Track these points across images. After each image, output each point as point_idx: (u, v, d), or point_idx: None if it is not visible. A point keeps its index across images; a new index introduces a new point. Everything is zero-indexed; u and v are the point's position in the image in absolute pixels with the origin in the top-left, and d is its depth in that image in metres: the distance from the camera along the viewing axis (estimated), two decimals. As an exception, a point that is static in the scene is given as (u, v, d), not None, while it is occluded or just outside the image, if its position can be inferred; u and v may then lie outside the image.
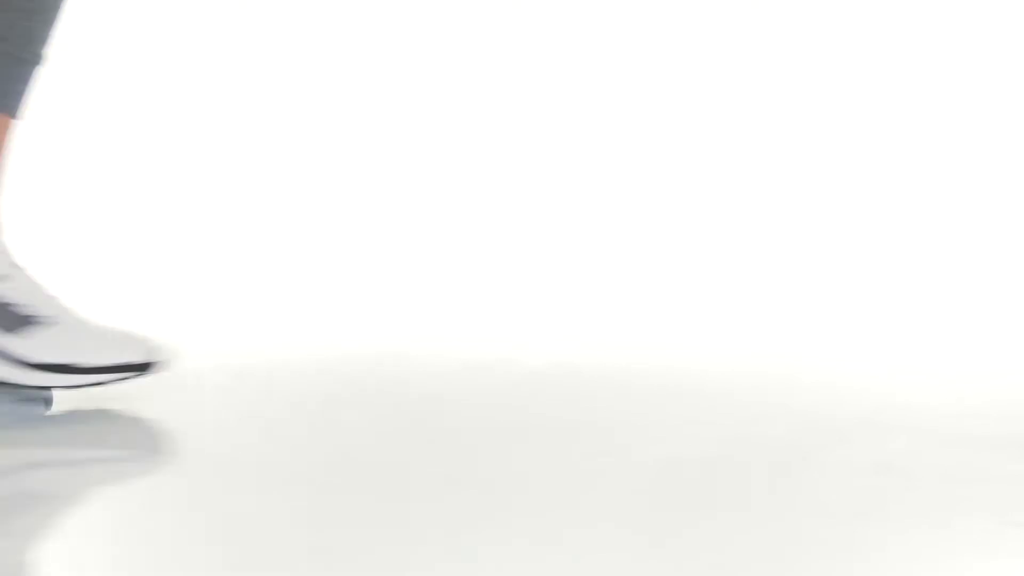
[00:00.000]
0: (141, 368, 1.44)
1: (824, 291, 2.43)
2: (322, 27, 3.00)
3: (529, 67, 2.71)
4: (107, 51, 2.93)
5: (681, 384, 1.69)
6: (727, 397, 1.66)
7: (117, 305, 2.26)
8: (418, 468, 1.35)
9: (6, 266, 1.44)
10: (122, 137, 2.89)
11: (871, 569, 1.05)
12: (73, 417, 1.45)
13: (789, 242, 2.76)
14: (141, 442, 1.41)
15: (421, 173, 2.49)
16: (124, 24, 2.94)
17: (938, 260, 2.65)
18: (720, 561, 1.06)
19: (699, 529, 1.14)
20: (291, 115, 2.96)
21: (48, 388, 1.41)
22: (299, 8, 2.99)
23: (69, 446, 1.39)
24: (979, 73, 2.97)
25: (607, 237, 1.88)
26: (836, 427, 1.48)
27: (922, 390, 1.69)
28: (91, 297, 2.32)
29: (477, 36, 1.79)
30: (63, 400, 1.44)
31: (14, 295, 1.42)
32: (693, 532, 1.13)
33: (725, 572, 1.04)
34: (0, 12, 1.39)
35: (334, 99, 2.95)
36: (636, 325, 1.90)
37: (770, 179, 2.93)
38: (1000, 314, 2.25)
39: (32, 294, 1.43)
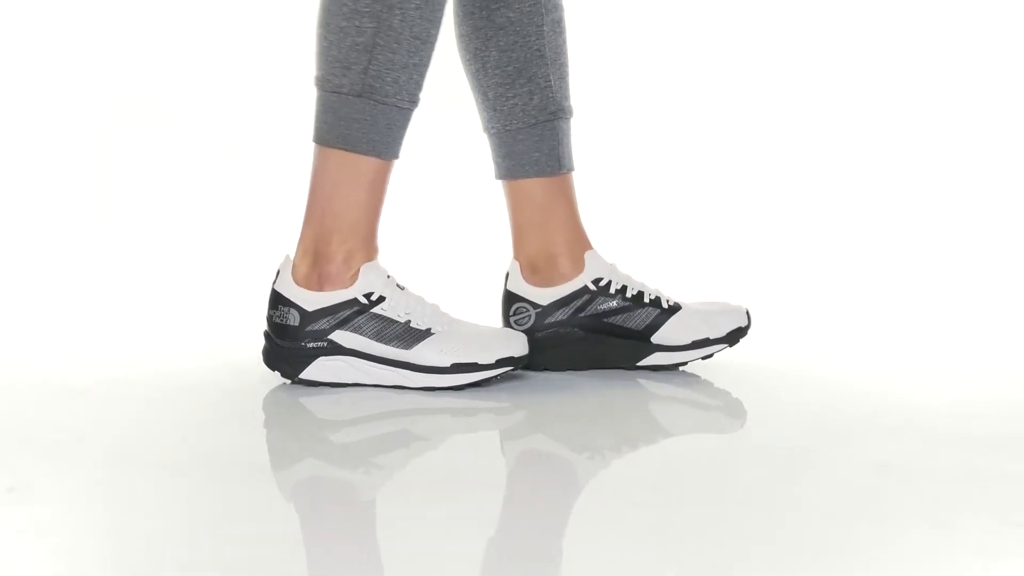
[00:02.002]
0: (521, 361, 1.64)
1: (825, 291, 2.44)
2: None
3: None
4: (107, 51, 2.93)
5: (681, 384, 1.69)
6: (727, 397, 1.67)
7: (117, 305, 2.26)
8: (418, 468, 1.35)
9: (391, 288, 1.63)
10: (122, 137, 2.89)
11: (871, 569, 1.05)
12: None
13: (789, 242, 2.77)
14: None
15: (421, 173, 2.50)
16: (124, 24, 2.94)
17: (938, 260, 2.65)
18: (720, 561, 1.06)
19: (699, 529, 1.14)
20: (291, 115, 2.96)
21: (463, 387, 1.62)
22: (299, 8, 2.99)
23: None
24: (979, 73, 2.97)
25: (607, 237, 1.88)
26: (836, 427, 1.48)
27: (922, 390, 1.69)
28: (91, 297, 2.32)
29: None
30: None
31: (410, 313, 1.62)
32: (693, 532, 1.13)
33: (725, 572, 1.04)
34: (394, 73, 1.58)
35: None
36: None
37: (771, 179, 2.93)
38: (1000, 314, 2.25)
39: (419, 309, 1.63)
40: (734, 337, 1.72)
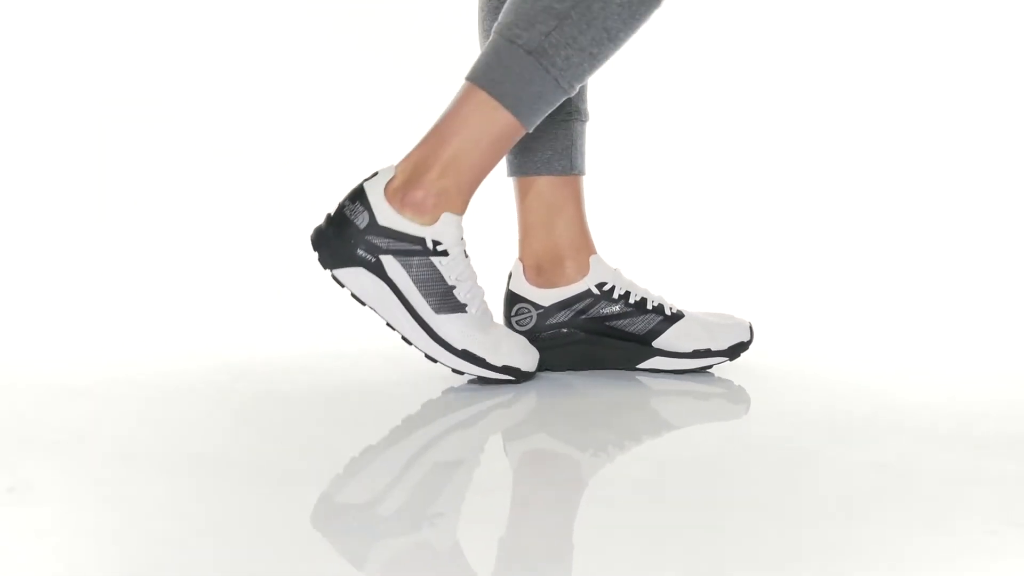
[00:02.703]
0: (525, 376, 1.66)
1: (825, 291, 2.44)
2: (321, 27, 3.00)
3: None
4: (107, 51, 2.93)
5: (681, 382, 1.69)
6: (727, 396, 1.67)
7: (117, 305, 2.26)
8: (418, 468, 1.35)
9: (458, 248, 1.62)
10: (123, 137, 2.89)
11: (871, 569, 1.05)
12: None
13: (790, 242, 2.77)
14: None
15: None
16: (124, 24, 2.94)
17: (938, 260, 2.65)
18: (720, 561, 1.06)
19: (699, 529, 1.14)
20: (291, 115, 2.96)
21: (461, 372, 1.63)
22: (299, 8, 2.99)
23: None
24: (979, 74, 2.97)
25: (607, 237, 1.88)
26: (836, 427, 1.48)
27: (922, 390, 1.69)
28: (91, 297, 2.32)
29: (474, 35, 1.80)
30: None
31: (460, 281, 1.62)
32: (693, 532, 1.13)
33: (725, 572, 1.04)
34: (570, 50, 1.58)
35: (334, 99, 2.95)
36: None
37: (771, 180, 2.93)
38: (1000, 314, 2.25)
39: (469, 283, 1.63)
40: (735, 351, 1.72)
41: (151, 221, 2.79)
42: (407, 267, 1.60)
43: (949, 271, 2.58)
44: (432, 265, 1.60)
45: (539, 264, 1.74)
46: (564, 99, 1.62)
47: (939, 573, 1.06)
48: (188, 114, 2.93)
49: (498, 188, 1.88)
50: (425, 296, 1.61)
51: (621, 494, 1.24)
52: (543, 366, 1.72)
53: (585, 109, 1.76)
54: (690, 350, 1.71)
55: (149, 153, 2.90)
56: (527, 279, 1.73)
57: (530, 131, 1.62)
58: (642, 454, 1.43)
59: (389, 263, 1.60)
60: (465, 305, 1.62)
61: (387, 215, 1.60)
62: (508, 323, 1.74)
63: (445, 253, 1.61)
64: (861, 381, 1.73)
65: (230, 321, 2.10)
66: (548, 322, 1.72)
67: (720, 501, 1.22)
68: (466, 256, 1.64)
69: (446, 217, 1.60)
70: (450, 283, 1.61)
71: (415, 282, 1.60)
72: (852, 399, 1.61)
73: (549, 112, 1.62)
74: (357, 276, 1.61)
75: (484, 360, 1.62)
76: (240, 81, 2.96)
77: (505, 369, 1.63)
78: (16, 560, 1.05)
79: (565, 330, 1.72)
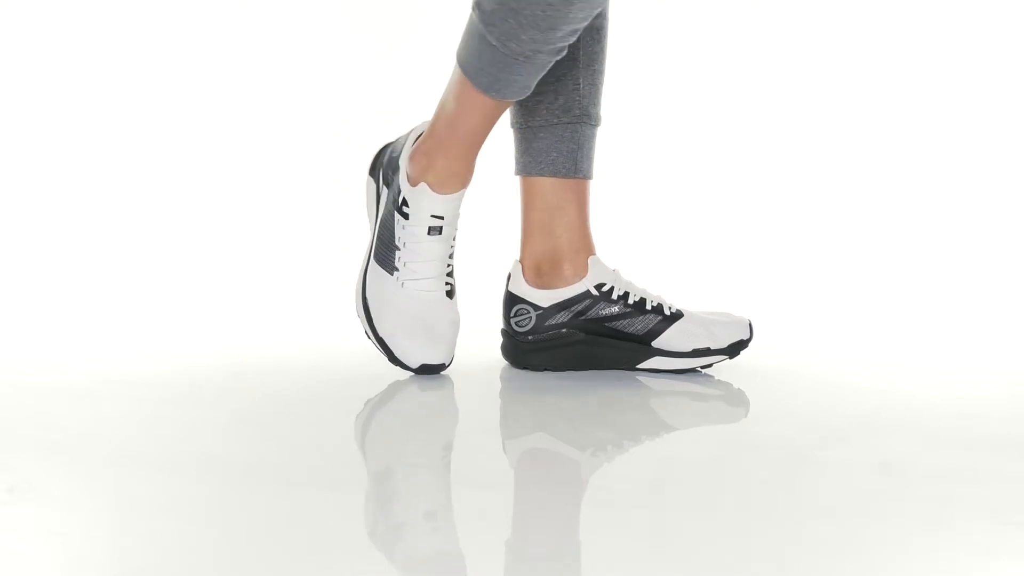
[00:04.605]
0: (396, 359, 1.67)
1: (824, 291, 2.44)
2: (321, 27, 3.00)
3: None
4: (106, 51, 2.93)
5: (681, 382, 1.69)
6: (727, 396, 1.67)
7: (118, 305, 2.26)
8: (418, 468, 1.35)
9: (423, 217, 1.66)
10: (122, 136, 2.89)
11: (871, 569, 1.05)
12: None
13: (790, 242, 2.77)
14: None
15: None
16: (123, 24, 2.94)
17: (938, 260, 2.65)
18: (720, 561, 1.06)
19: (699, 529, 1.14)
20: (291, 115, 2.96)
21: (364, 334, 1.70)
22: (299, 8, 2.99)
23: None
24: (979, 75, 2.97)
25: (607, 237, 1.88)
26: (836, 427, 1.48)
27: (922, 390, 1.69)
28: (91, 297, 2.32)
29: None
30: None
31: (406, 247, 1.66)
32: (693, 532, 1.13)
33: (725, 572, 1.04)
34: (495, 3, 1.54)
35: (333, 99, 2.95)
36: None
37: (771, 179, 2.93)
38: (1000, 314, 2.25)
39: (419, 256, 1.66)
40: (735, 349, 1.72)
41: (151, 221, 2.78)
42: (386, 206, 1.69)
43: (949, 271, 2.58)
44: (393, 216, 1.67)
45: (538, 265, 1.74)
46: (506, 61, 1.55)
47: (939, 573, 1.06)
48: (187, 112, 2.93)
49: (497, 190, 1.89)
50: (378, 237, 1.69)
51: (620, 494, 1.24)
52: (542, 366, 1.72)
53: (596, 113, 1.75)
54: (689, 349, 1.71)
55: (149, 153, 2.90)
56: (526, 280, 1.73)
57: (494, 98, 1.58)
58: (642, 454, 1.43)
59: (383, 193, 1.71)
60: (396, 270, 1.66)
61: (403, 156, 1.69)
62: (508, 324, 1.74)
63: (406, 216, 1.66)
64: (861, 381, 1.73)
65: (230, 321, 2.10)
66: (547, 323, 1.72)
67: (720, 501, 1.22)
68: (435, 231, 1.65)
69: (421, 187, 1.65)
70: (396, 243, 1.66)
71: (381, 221, 1.69)
72: (852, 399, 1.61)
73: (504, 76, 1.56)
74: (370, 185, 1.75)
75: (372, 321, 1.67)
76: (240, 81, 2.96)
77: (381, 342, 1.66)
78: (16, 560, 1.05)
79: (564, 331, 1.72)
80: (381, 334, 1.66)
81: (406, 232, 1.65)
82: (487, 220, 2.09)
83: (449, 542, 1.11)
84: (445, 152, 1.64)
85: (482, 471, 1.34)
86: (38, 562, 1.05)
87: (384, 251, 1.67)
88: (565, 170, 1.73)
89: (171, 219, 2.80)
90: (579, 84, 1.73)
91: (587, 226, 1.75)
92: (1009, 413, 1.55)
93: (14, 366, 1.78)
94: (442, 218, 1.65)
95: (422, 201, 1.64)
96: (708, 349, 1.71)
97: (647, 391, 1.67)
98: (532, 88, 1.60)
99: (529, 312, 1.72)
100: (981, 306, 2.32)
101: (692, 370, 1.72)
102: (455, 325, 1.68)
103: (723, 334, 1.72)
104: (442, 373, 1.68)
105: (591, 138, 1.75)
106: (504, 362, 1.75)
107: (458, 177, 1.65)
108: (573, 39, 1.56)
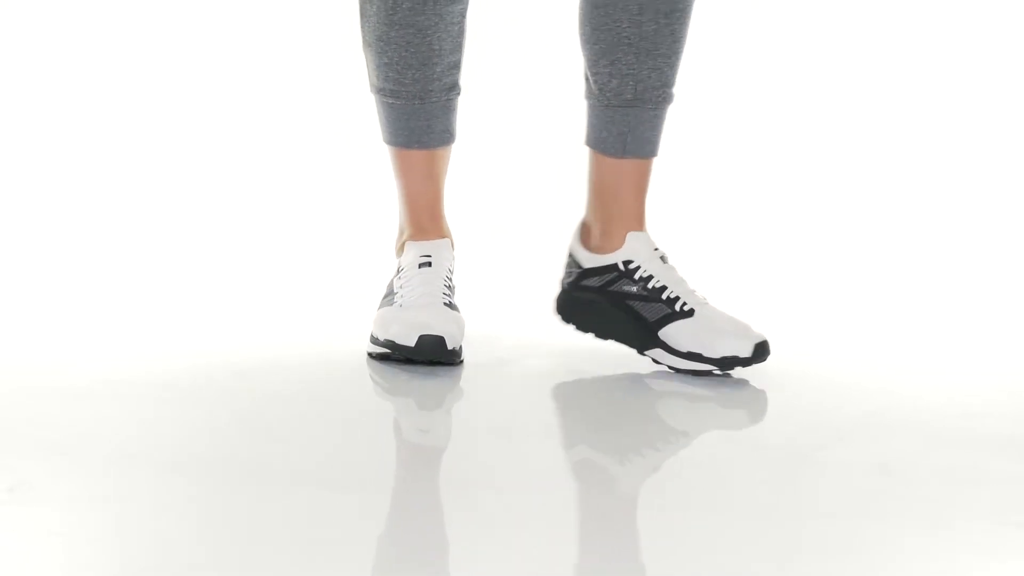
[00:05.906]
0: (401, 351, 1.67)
1: (825, 291, 2.43)
2: (321, 27, 3.00)
3: (529, 67, 2.71)
4: (107, 50, 2.93)
5: (681, 384, 1.69)
6: (727, 396, 1.67)
7: (117, 305, 2.26)
8: (418, 467, 1.35)
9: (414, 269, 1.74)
10: (122, 136, 2.89)
11: (871, 569, 1.05)
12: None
13: (790, 241, 2.77)
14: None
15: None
16: (123, 24, 2.94)
17: (938, 260, 2.65)
18: (720, 561, 1.06)
19: (699, 529, 1.14)
20: (291, 115, 2.96)
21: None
22: (299, 8, 2.99)
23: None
24: (979, 75, 2.97)
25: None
26: (836, 427, 1.48)
27: (922, 390, 1.69)
28: (91, 297, 2.32)
29: (475, 36, 1.80)
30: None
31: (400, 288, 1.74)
32: (693, 532, 1.13)
33: (725, 572, 1.04)
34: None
35: (333, 99, 2.95)
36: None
37: (771, 178, 2.93)
38: (1000, 314, 2.25)
39: (410, 282, 1.73)
40: (726, 364, 1.67)
41: (151, 221, 2.78)
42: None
43: (949, 271, 2.57)
44: (390, 283, 1.76)
45: (590, 228, 1.79)
46: (408, 109, 1.73)
47: (939, 573, 1.06)
48: (187, 112, 2.93)
49: (494, 188, 1.88)
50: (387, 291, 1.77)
51: (621, 494, 1.24)
52: (571, 322, 1.77)
53: (652, 96, 1.75)
54: (685, 351, 1.70)
55: (149, 153, 2.90)
56: (579, 238, 1.79)
57: (421, 149, 1.75)
58: (643, 455, 1.43)
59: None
60: (395, 297, 1.72)
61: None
62: (564, 273, 1.81)
63: (399, 270, 1.75)
64: (861, 381, 1.73)
65: (231, 321, 2.10)
66: (583, 283, 1.76)
67: (720, 501, 1.21)
68: (427, 269, 1.73)
69: (405, 247, 1.77)
70: (394, 287, 1.74)
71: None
72: (852, 399, 1.61)
73: (416, 125, 1.74)
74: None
75: (374, 334, 1.70)
76: (240, 81, 2.96)
77: (383, 344, 1.68)
78: (16, 560, 1.05)
79: (593, 296, 1.75)
80: (380, 339, 1.68)
81: (400, 276, 1.74)
82: (482, 222, 2.09)
83: (449, 542, 1.11)
84: (410, 220, 1.77)
85: (483, 472, 1.34)
86: (38, 562, 1.05)
87: (386, 299, 1.74)
88: (613, 151, 1.76)
89: (171, 219, 2.80)
90: (633, 68, 1.73)
91: (640, 202, 1.78)
92: (1009, 413, 1.56)
93: (14, 366, 1.78)
94: (429, 256, 1.73)
95: (409, 254, 1.74)
96: (700, 355, 1.69)
97: (649, 393, 1.67)
98: (453, 132, 1.76)
99: (574, 268, 1.78)
100: (981, 306, 2.32)
101: (694, 372, 1.70)
102: (458, 321, 1.68)
103: (721, 345, 1.68)
104: (443, 374, 1.67)
105: (645, 120, 1.75)
106: (506, 363, 1.76)
107: (430, 233, 1.76)
108: (458, 72, 1.74)
